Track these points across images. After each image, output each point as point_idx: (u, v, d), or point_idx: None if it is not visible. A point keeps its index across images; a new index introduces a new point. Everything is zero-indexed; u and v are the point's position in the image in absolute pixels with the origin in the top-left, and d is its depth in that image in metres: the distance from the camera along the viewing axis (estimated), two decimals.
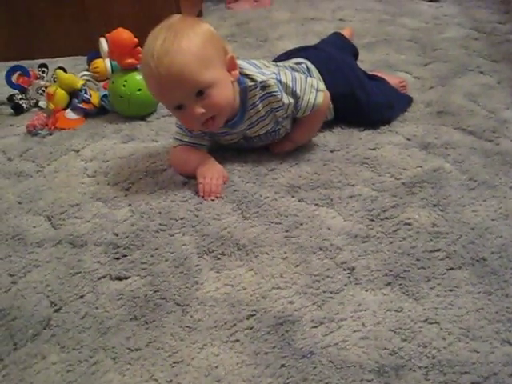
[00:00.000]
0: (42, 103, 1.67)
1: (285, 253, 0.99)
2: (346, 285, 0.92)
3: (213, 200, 1.15)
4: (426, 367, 0.77)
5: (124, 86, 1.52)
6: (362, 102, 1.36)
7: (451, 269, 0.94)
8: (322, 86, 1.24)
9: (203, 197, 1.16)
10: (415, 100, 1.52)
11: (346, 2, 2.61)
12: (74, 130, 1.54)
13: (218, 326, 0.86)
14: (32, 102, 1.70)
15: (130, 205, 1.17)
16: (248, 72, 1.19)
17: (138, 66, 1.52)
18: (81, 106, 1.58)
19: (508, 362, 0.77)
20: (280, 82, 1.19)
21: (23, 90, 1.72)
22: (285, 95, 1.20)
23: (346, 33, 1.73)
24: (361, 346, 0.81)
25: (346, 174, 1.21)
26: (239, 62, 1.18)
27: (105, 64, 1.76)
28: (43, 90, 1.69)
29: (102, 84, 1.76)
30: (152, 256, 1.01)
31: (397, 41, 2.05)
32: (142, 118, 1.56)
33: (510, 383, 0.74)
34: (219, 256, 1.00)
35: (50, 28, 2.13)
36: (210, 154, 1.26)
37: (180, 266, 0.98)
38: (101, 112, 1.62)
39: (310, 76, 1.30)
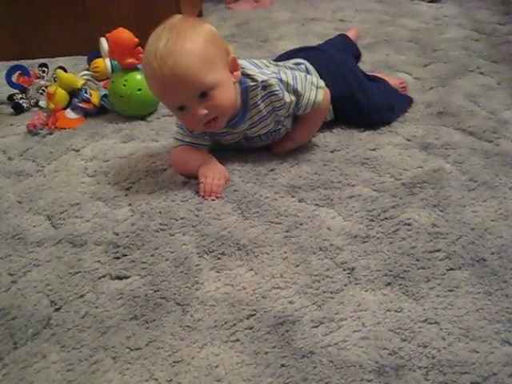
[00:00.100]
0: (42, 103, 1.67)
1: (285, 253, 1.00)
2: (345, 285, 0.92)
3: (213, 200, 1.15)
4: (425, 367, 0.77)
5: (124, 85, 1.52)
6: (362, 104, 1.36)
7: (451, 269, 0.94)
8: (321, 83, 1.25)
9: (204, 196, 1.16)
10: (415, 101, 1.52)
11: (346, 3, 2.61)
12: (74, 129, 1.54)
13: (218, 326, 0.86)
14: (32, 101, 1.70)
15: (130, 204, 1.17)
16: (249, 72, 1.19)
17: (139, 66, 1.52)
18: (81, 105, 1.58)
19: (508, 362, 0.77)
20: (281, 80, 1.19)
21: (23, 90, 1.72)
22: (286, 94, 1.20)
23: (351, 34, 1.74)
24: (361, 345, 0.81)
25: (346, 175, 1.21)
26: (240, 62, 1.18)
27: (105, 64, 1.76)
28: (43, 90, 1.69)
29: (102, 84, 1.76)
30: (152, 255, 1.01)
31: (397, 41, 2.05)
32: (143, 118, 1.57)
33: (510, 383, 0.74)
34: (219, 256, 1.00)
35: (50, 28, 2.13)
36: (211, 154, 1.26)
37: (180, 266, 0.98)
38: (101, 112, 1.62)
39: (309, 75, 1.30)
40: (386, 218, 1.07)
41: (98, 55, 1.83)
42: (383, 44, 2.03)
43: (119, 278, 0.97)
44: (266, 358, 0.80)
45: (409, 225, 1.04)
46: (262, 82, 1.18)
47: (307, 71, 1.33)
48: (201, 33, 1.09)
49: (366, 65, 1.72)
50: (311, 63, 1.35)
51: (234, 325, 0.86)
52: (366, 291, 0.90)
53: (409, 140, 1.34)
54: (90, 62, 1.88)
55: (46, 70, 1.81)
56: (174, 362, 0.80)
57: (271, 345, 0.82)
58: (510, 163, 1.22)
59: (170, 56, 1.05)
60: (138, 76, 1.52)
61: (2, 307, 0.92)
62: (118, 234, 1.08)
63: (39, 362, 0.82)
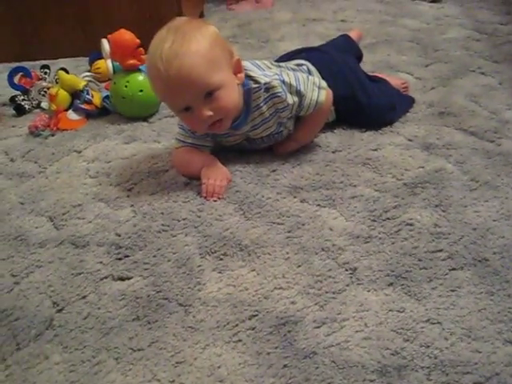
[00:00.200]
0: (44, 104, 1.68)
1: (287, 253, 1.00)
2: (348, 285, 0.92)
3: (215, 201, 1.15)
4: (428, 367, 0.77)
5: (126, 86, 1.52)
6: (363, 104, 1.36)
7: (453, 269, 0.94)
8: (324, 84, 1.25)
9: (206, 197, 1.16)
10: (417, 101, 1.52)
11: (347, 3, 2.61)
12: (75, 130, 1.54)
13: (220, 327, 0.86)
14: (34, 102, 1.70)
15: (132, 205, 1.17)
16: (252, 74, 1.19)
17: (140, 67, 1.52)
18: (83, 106, 1.59)
19: (510, 362, 0.77)
20: (283, 82, 1.19)
21: (25, 91, 1.72)
22: (289, 95, 1.20)
23: (353, 34, 1.73)
24: (363, 346, 0.81)
25: (348, 175, 1.21)
26: (243, 63, 1.18)
27: (107, 65, 1.76)
28: (45, 91, 1.70)
29: (103, 85, 1.76)
30: (154, 256, 1.01)
31: (398, 42, 2.05)
32: (144, 119, 1.57)
33: None
34: (221, 256, 1.00)
35: (52, 29, 2.13)
36: (213, 155, 1.26)
37: (182, 267, 0.98)
38: (103, 113, 1.62)
39: (311, 75, 1.30)
40: (388, 219, 1.07)
41: (100, 56, 1.83)
42: (384, 44, 2.03)
43: (121, 278, 0.98)
44: (269, 359, 0.80)
45: (411, 225, 1.04)
46: (265, 83, 1.18)
47: (309, 72, 1.33)
48: (206, 34, 1.09)
49: (368, 65, 1.72)
50: (313, 64, 1.35)
51: (237, 325, 0.86)
52: (368, 291, 0.90)
53: (410, 140, 1.34)
54: (91, 63, 1.88)
55: (47, 71, 1.82)
56: (177, 363, 0.80)
57: (273, 345, 0.82)
58: None
59: (176, 58, 1.05)
60: (140, 77, 1.53)
61: (4, 308, 0.93)
62: (120, 235, 1.08)
63: (42, 362, 0.83)
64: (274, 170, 1.25)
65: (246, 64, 1.20)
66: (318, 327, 0.84)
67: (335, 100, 1.28)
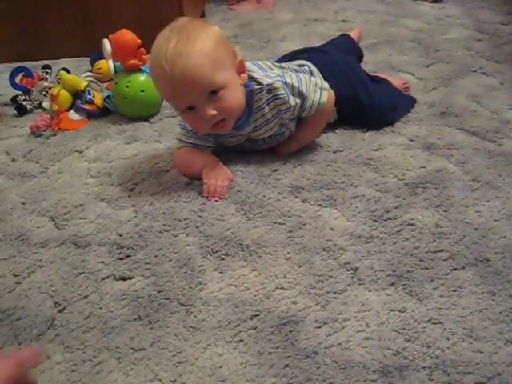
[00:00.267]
0: (45, 104, 1.68)
1: (288, 253, 1.00)
2: (349, 285, 0.92)
3: (216, 201, 1.15)
4: (429, 367, 0.77)
5: (127, 86, 1.52)
6: (365, 105, 1.36)
7: (454, 269, 0.94)
8: (326, 85, 1.25)
9: (207, 197, 1.16)
10: (418, 101, 1.52)
11: (348, 3, 2.61)
12: (77, 130, 1.54)
13: (221, 326, 0.86)
14: (35, 103, 1.70)
15: (133, 205, 1.17)
16: (254, 75, 1.19)
17: (142, 67, 1.52)
18: (84, 106, 1.59)
19: None
20: (286, 83, 1.19)
21: (27, 91, 1.72)
22: (291, 97, 1.20)
23: (354, 34, 1.74)
24: (364, 346, 0.81)
25: (349, 175, 1.21)
26: (245, 64, 1.19)
27: (108, 65, 1.76)
28: (47, 91, 1.70)
29: (105, 85, 1.76)
30: (156, 256, 1.01)
31: (399, 42, 2.05)
32: (146, 119, 1.57)
33: None
34: (223, 256, 1.00)
35: (53, 29, 2.14)
36: (214, 155, 1.26)
37: (184, 267, 0.98)
38: (104, 113, 1.62)
39: (313, 76, 1.30)
40: (390, 219, 1.07)
41: (101, 57, 1.83)
42: (385, 44, 2.03)
43: (123, 278, 0.98)
44: (270, 359, 0.80)
45: (412, 225, 1.04)
46: (267, 85, 1.18)
47: (311, 73, 1.33)
48: (210, 34, 1.10)
49: (369, 65, 1.72)
50: (314, 64, 1.35)
51: (238, 325, 0.86)
52: (370, 291, 0.90)
53: (412, 140, 1.34)
54: (93, 63, 1.88)
55: (49, 71, 1.82)
56: (178, 363, 0.81)
57: (275, 345, 0.82)
58: None
59: (181, 57, 1.05)
60: (141, 77, 1.53)
61: (6, 308, 0.93)
62: (121, 235, 1.08)
63: (43, 362, 0.83)
64: (275, 170, 1.25)
65: (248, 65, 1.20)
66: (320, 327, 0.84)
67: (337, 100, 1.28)
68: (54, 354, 0.84)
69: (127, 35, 1.49)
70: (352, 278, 0.93)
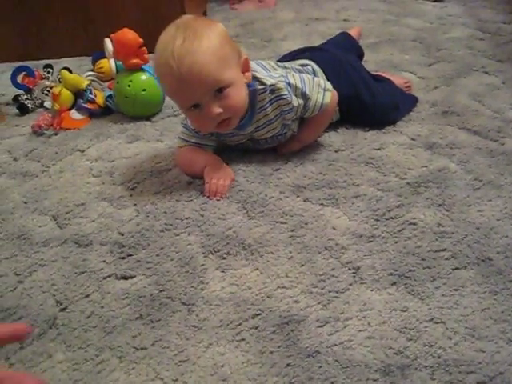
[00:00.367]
0: (47, 103, 1.68)
1: (290, 252, 1.00)
2: (351, 284, 0.92)
3: (218, 200, 1.15)
4: (431, 367, 0.77)
5: (129, 86, 1.52)
6: (368, 104, 1.36)
7: (456, 268, 0.94)
8: (329, 85, 1.24)
9: (209, 197, 1.16)
10: (420, 100, 1.52)
11: (350, 3, 2.61)
12: (79, 130, 1.54)
13: (223, 325, 0.86)
14: (37, 102, 1.71)
15: (135, 204, 1.17)
16: (258, 75, 1.18)
17: (143, 67, 1.52)
18: (86, 106, 1.59)
19: None
20: (289, 84, 1.19)
21: (28, 91, 1.72)
22: (294, 98, 1.20)
23: (353, 32, 1.73)
24: (366, 345, 0.81)
25: (351, 174, 1.21)
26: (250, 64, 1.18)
27: (110, 64, 1.76)
28: (48, 91, 1.70)
29: (106, 84, 1.76)
30: (157, 255, 1.01)
31: (401, 41, 2.05)
32: (147, 118, 1.57)
33: None
34: (224, 255, 1.00)
35: (55, 29, 2.14)
36: (216, 154, 1.26)
37: (185, 266, 0.98)
38: (106, 112, 1.62)
39: (316, 77, 1.30)
40: (391, 218, 1.06)
41: (103, 56, 1.83)
42: (387, 43, 2.03)
43: (124, 277, 0.98)
44: (272, 358, 0.80)
45: (414, 224, 1.04)
46: (271, 85, 1.18)
47: (314, 73, 1.33)
48: (216, 32, 1.10)
49: (370, 64, 1.72)
50: (317, 64, 1.35)
51: (240, 324, 0.86)
52: (372, 291, 0.90)
53: (413, 139, 1.34)
54: (94, 62, 1.88)
55: (50, 70, 1.82)
56: (180, 362, 0.80)
57: (276, 344, 0.82)
58: None
59: (188, 55, 1.05)
60: (143, 76, 1.53)
61: (8, 307, 0.93)
62: (123, 234, 1.08)
63: (45, 361, 0.83)
64: (277, 169, 1.24)
65: (251, 64, 1.19)
66: (321, 326, 0.84)
67: (339, 99, 1.28)
68: (56, 353, 0.84)
69: (129, 34, 1.49)
70: (354, 277, 0.93)
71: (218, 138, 1.28)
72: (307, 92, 1.20)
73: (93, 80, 1.71)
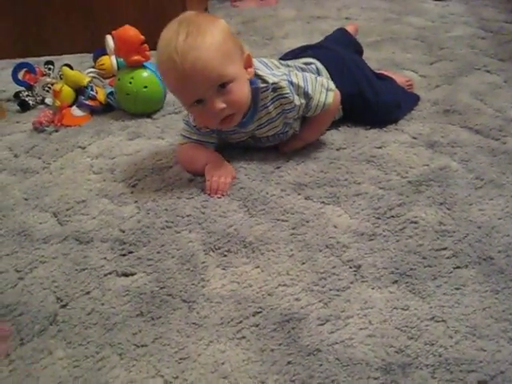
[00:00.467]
0: (48, 100, 1.68)
1: (291, 250, 0.99)
2: (352, 282, 0.92)
3: (219, 198, 1.15)
4: (432, 365, 0.77)
5: (130, 83, 1.52)
6: (371, 102, 1.36)
7: (458, 267, 0.93)
8: (332, 85, 1.24)
9: (210, 194, 1.16)
10: (421, 99, 1.52)
11: (351, 1, 2.61)
12: (80, 126, 1.54)
13: (224, 323, 0.86)
14: (38, 98, 1.70)
15: (136, 202, 1.17)
16: (260, 73, 1.18)
17: (145, 64, 1.52)
18: (87, 102, 1.59)
19: None
20: (291, 83, 1.19)
21: (29, 87, 1.72)
22: (296, 97, 1.19)
23: (350, 29, 1.73)
24: (367, 343, 0.81)
25: (353, 172, 1.21)
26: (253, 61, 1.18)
27: (111, 61, 1.76)
28: (49, 87, 1.70)
29: (108, 81, 1.76)
30: (158, 253, 1.01)
31: (403, 39, 2.05)
32: (148, 116, 1.57)
33: None
34: (225, 253, 1.00)
35: (56, 25, 2.14)
36: (217, 151, 1.26)
37: (186, 263, 0.98)
38: (107, 109, 1.62)
39: (320, 76, 1.30)
40: (393, 216, 1.06)
41: (104, 53, 1.82)
42: (389, 42, 2.03)
43: (125, 274, 0.98)
44: (272, 356, 0.80)
45: (415, 223, 1.04)
46: (273, 84, 1.18)
47: (318, 72, 1.32)
48: (219, 28, 1.10)
49: (372, 63, 1.71)
50: (320, 62, 1.35)
51: (240, 322, 0.86)
52: (373, 289, 0.90)
53: (415, 138, 1.34)
54: (95, 59, 1.88)
55: (52, 67, 1.82)
56: (181, 359, 0.80)
57: (277, 342, 0.82)
58: None
59: (192, 50, 1.04)
60: (144, 73, 1.53)
61: (8, 303, 0.93)
62: (124, 231, 1.08)
63: (46, 358, 0.83)
64: (278, 167, 1.24)
65: (254, 62, 1.19)
66: (322, 324, 0.84)
67: (342, 97, 1.27)
68: (56, 350, 0.84)
69: (130, 31, 1.49)
70: (355, 275, 0.93)
71: (220, 136, 1.27)
72: (310, 91, 1.20)
73: (94, 77, 1.71)
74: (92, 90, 1.60)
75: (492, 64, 1.75)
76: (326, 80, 1.25)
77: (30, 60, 1.87)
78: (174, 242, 1.04)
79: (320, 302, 0.88)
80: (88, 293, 0.94)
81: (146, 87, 1.52)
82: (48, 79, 1.73)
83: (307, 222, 1.06)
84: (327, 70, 1.34)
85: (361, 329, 0.83)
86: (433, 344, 0.80)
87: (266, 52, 1.97)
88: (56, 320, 0.89)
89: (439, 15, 2.32)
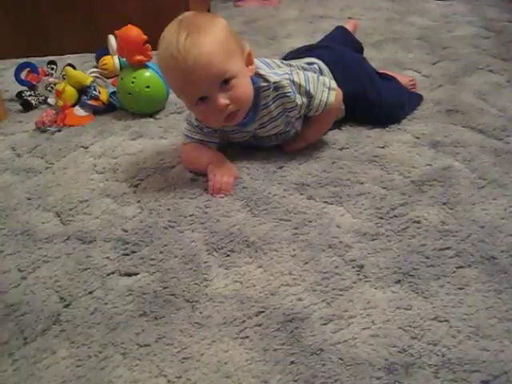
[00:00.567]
0: (50, 100, 1.68)
1: (294, 250, 0.99)
2: (355, 282, 0.92)
3: (222, 197, 1.15)
4: (435, 365, 0.76)
5: (133, 82, 1.52)
6: (374, 102, 1.35)
7: (461, 267, 0.93)
8: (334, 84, 1.24)
9: (212, 194, 1.16)
10: (424, 98, 1.52)
11: (354, 0, 2.61)
12: (82, 126, 1.54)
13: (227, 323, 0.86)
14: (41, 98, 1.71)
15: (138, 201, 1.17)
16: (261, 72, 1.18)
17: (147, 63, 1.52)
18: (89, 102, 1.59)
19: None
20: (293, 82, 1.19)
21: (32, 87, 1.72)
22: (298, 96, 1.19)
23: (350, 26, 1.72)
24: (370, 343, 0.80)
25: (355, 172, 1.20)
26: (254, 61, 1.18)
27: (113, 61, 1.76)
28: (52, 87, 1.70)
29: (110, 81, 1.76)
30: (161, 252, 1.01)
31: (405, 39, 2.05)
32: (151, 115, 1.57)
33: None
34: (228, 253, 1.00)
35: (59, 25, 2.14)
36: (220, 151, 1.26)
37: (189, 263, 0.98)
38: (109, 109, 1.62)
39: (322, 75, 1.30)
40: (395, 216, 1.06)
41: (107, 53, 1.83)
42: (392, 42, 2.03)
43: (128, 274, 0.98)
44: (275, 355, 0.80)
45: (418, 222, 1.04)
46: (274, 83, 1.18)
47: (320, 71, 1.32)
48: (220, 26, 1.10)
49: (375, 62, 1.71)
50: (323, 61, 1.35)
51: (243, 322, 0.85)
52: (376, 289, 0.90)
53: (418, 138, 1.34)
54: (98, 59, 1.88)
55: (54, 67, 1.82)
56: (184, 359, 0.80)
57: (280, 342, 0.82)
58: None
59: (194, 47, 1.05)
60: (147, 73, 1.53)
61: (11, 303, 0.93)
62: (126, 231, 1.08)
63: (49, 357, 0.83)
64: (280, 167, 1.24)
65: (255, 62, 1.19)
66: (325, 324, 0.84)
67: (345, 97, 1.27)
68: (60, 350, 0.84)
69: (133, 31, 1.49)
70: (358, 275, 0.93)
71: (222, 135, 1.27)
72: (311, 90, 1.20)
73: (97, 77, 1.71)
74: (95, 89, 1.60)
75: (495, 64, 1.75)
76: (327, 79, 1.25)
77: (32, 60, 1.87)
78: (177, 241, 1.04)
79: (323, 301, 0.88)
80: (91, 292, 0.94)
81: (148, 87, 1.52)
82: (51, 79, 1.74)
83: (310, 221, 1.06)
84: (330, 69, 1.34)
85: (364, 328, 0.83)
86: (436, 344, 0.79)
87: (269, 52, 1.97)
88: (59, 320, 0.89)
89: (442, 15, 2.32)
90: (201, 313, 0.88)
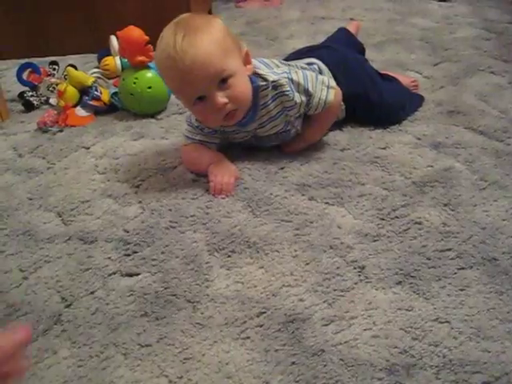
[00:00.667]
0: (52, 100, 1.68)
1: (295, 251, 0.99)
2: (356, 283, 0.92)
3: (223, 198, 1.15)
4: (436, 366, 0.76)
5: (134, 83, 1.52)
6: (375, 102, 1.36)
7: (462, 268, 0.93)
8: (333, 82, 1.24)
9: (214, 195, 1.16)
10: (425, 99, 1.52)
11: (355, 1, 2.62)
12: (84, 127, 1.55)
13: (228, 323, 0.86)
14: (42, 98, 1.71)
15: (140, 202, 1.17)
16: (260, 71, 1.19)
17: (149, 64, 1.52)
18: (91, 103, 1.59)
19: None
20: (292, 80, 1.19)
21: (34, 87, 1.73)
22: (297, 94, 1.20)
23: (352, 28, 1.73)
24: (371, 344, 0.80)
25: (356, 173, 1.20)
26: (251, 61, 1.19)
27: (115, 62, 1.76)
28: (54, 87, 1.70)
29: (112, 81, 1.76)
30: (162, 253, 1.01)
31: (407, 40, 2.05)
32: (152, 116, 1.57)
33: None
34: (229, 253, 1.00)
35: (60, 26, 2.14)
36: (221, 152, 1.26)
37: (190, 263, 0.98)
38: (111, 109, 1.62)
39: (321, 74, 1.30)
40: (397, 217, 1.06)
41: (109, 53, 1.83)
42: (393, 43, 2.03)
43: (129, 274, 0.98)
44: (277, 356, 0.80)
45: (419, 224, 1.04)
46: (273, 82, 1.18)
47: (320, 71, 1.32)
48: (217, 27, 1.11)
49: (376, 63, 1.71)
50: (324, 62, 1.35)
51: (245, 322, 0.86)
52: (377, 290, 0.90)
53: (419, 139, 1.34)
54: (100, 59, 1.88)
55: (56, 67, 1.82)
56: (185, 359, 0.80)
57: (282, 342, 0.82)
58: None
59: (191, 47, 1.05)
60: (149, 74, 1.53)
61: (13, 303, 0.93)
62: (128, 231, 1.08)
63: (50, 357, 0.83)
64: (282, 168, 1.24)
65: (254, 62, 1.20)
66: (326, 325, 0.84)
67: (346, 98, 1.28)
68: (61, 350, 0.84)
69: (134, 32, 1.49)
70: (359, 276, 0.93)
71: (222, 136, 1.27)
72: (310, 89, 1.20)
73: (98, 77, 1.71)
74: (96, 90, 1.60)
75: (496, 65, 1.75)
76: (326, 78, 1.25)
77: (34, 60, 1.88)
78: (178, 242, 1.04)
79: (324, 302, 0.88)
80: (92, 293, 0.94)
81: (150, 88, 1.52)
82: (52, 79, 1.74)
83: (311, 222, 1.06)
84: (331, 70, 1.34)
85: (365, 329, 0.83)
86: (437, 345, 0.79)
87: (270, 53, 1.97)
88: (60, 320, 0.89)
89: (443, 16, 2.32)
90: (202, 313, 0.88)
